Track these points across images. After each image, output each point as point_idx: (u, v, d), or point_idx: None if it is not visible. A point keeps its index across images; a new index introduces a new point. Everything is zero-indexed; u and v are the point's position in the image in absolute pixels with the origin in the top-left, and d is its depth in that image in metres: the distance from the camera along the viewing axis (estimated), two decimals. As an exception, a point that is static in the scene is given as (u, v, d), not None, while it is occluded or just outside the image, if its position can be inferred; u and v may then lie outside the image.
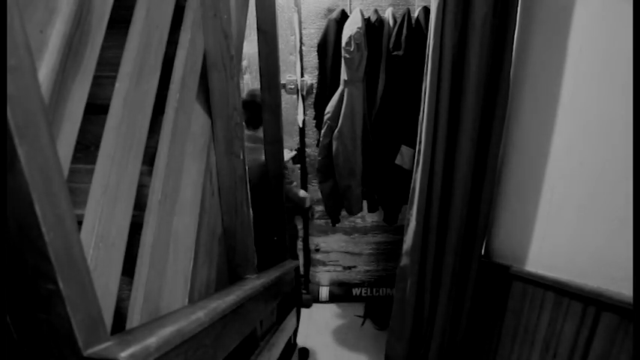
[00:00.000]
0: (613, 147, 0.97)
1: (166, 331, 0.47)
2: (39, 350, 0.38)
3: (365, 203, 2.28)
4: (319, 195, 2.32)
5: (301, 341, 2.22)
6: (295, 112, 2.46)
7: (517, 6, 1.39)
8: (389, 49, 1.92)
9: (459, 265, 1.60)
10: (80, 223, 0.49)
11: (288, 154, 2.00)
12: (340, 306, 2.69)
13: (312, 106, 2.38)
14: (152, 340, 0.44)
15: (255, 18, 1.30)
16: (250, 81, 2.45)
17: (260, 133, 1.60)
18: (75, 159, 0.54)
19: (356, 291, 2.76)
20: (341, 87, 1.99)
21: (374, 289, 2.75)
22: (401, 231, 1.79)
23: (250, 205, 1.08)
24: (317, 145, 2.21)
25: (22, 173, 0.32)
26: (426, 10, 1.89)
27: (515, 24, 1.40)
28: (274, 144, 1.43)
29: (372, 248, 2.72)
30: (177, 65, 0.78)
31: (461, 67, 1.44)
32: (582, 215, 1.07)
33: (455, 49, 1.43)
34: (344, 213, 2.30)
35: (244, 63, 2.40)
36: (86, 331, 0.38)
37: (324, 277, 2.79)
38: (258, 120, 1.61)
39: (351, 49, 1.84)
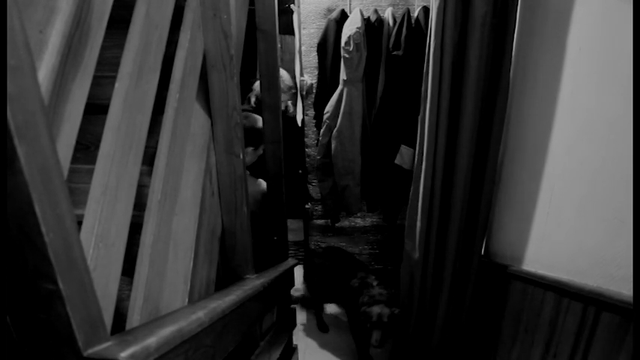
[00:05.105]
0: (613, 147, 0.97)
1: (166, 331, 0.47)
2: (39, 350, 0.38)
3: (365, 203, 2.28)
4: (319, 195, 2.32)
5: (300, 341, 2.22)
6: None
7: (517, 6, 1.39)
8: (388, 49, 1.92)
9: (459, 265, 1.60)
10: (80, 223, 0.49)
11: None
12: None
13: (312, 105, 2.38)
14: (152, 340, 0.44)
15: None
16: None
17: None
18: (75, 159, 0.54)
19: (356, 291, 2.75)
20: (340, 86, 1.99)
21: (374, 289, 2.75)
22: (401, 231, 1.79)
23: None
24: (317, 145, 2.21)
25: (22, 173, 0.32)
26: (426, 10, 1.89)
27: (515, 24, 1.40)
28: (274, 144, 1.43)
29: (371, 248, 2.71)
30: (177, 65, 0.78)
31: (461, 66, 1.44)
32: (582, 215, 1.07)
33: (455, 48, 1.43)
34: (344, 212, 2.30)
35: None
36: (86, 331, 0.38)
37: (324, 277, 2.79)
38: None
39: (350, 49, 1.84)
